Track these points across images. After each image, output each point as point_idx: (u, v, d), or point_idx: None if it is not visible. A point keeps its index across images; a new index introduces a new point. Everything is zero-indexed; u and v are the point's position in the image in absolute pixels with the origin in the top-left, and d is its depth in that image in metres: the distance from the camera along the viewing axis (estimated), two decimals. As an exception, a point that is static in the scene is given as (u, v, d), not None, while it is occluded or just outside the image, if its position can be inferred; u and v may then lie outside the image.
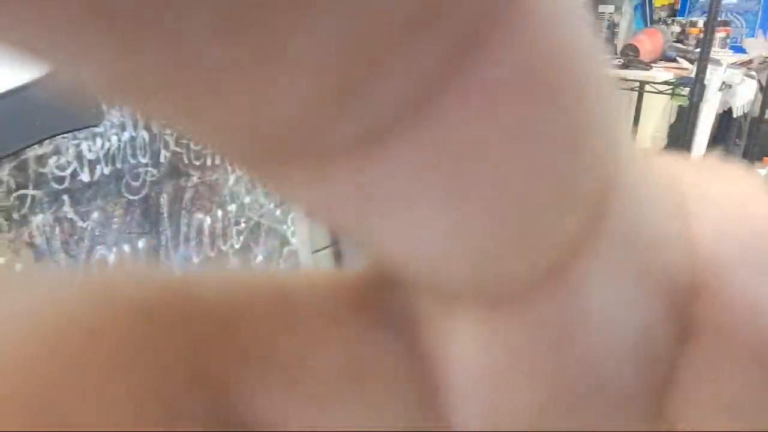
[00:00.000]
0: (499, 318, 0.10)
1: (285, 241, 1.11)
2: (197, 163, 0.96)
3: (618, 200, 0.10)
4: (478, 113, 0.08)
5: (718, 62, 1.74)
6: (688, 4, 2.25)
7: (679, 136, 1.73)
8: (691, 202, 0.11)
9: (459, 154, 0.08)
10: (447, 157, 0.08)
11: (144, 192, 0.88)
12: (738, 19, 2.27)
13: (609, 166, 0.10)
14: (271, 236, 1.09)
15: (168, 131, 0.91)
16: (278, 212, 1.10)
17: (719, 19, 1.75)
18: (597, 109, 0.09)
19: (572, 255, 0.10)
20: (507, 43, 0.08)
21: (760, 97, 2.33)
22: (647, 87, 1.76)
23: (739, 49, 2.15)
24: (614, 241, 0.10)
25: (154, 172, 0.89)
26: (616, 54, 1.94)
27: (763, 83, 2.34)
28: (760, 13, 2.24)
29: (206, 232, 0.98)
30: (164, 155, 0.90)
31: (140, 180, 0.88)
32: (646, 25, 2.10)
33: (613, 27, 1.97)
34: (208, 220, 0.99)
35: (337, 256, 1.23)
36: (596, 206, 0.10)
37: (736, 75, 1.88)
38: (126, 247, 0.86)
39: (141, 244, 0.89)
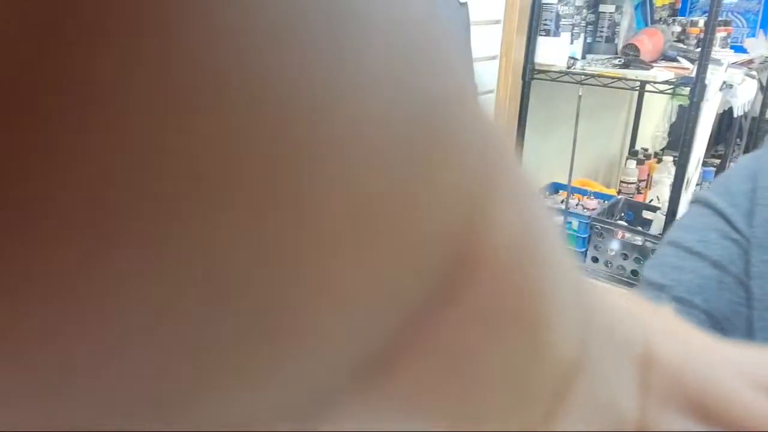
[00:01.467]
0: None
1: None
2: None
3: (581, 377, 0.12)
4: (441, 366, 0.09)
5: (718, 62, 1.74)
6: (688, 4, 2.25)
7: (680, 136, 1.73)
8: (655, 343, 0.14)
9: (421, 403, 0.09)
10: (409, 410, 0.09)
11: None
12: (739, 19, 2.27)
13: (572, 353, 0.11)
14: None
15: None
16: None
17: (720, 18, 1.75)
18: (562, 314, 0.11)
19: None
20: (470, 291, 0.09)
21: (760, 96, 2.33)
22: (648, 87, 1.75)
23: (740, 49, 2.14)
24: (577, 410, 0.11)
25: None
26: (617, 53, 1.93)
27: (764, 83, 2.34)
28: (760, 13, 2.24)
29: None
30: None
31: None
32: (646, 25, 2.09)
33: (614, 26, 1.96)
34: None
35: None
36: (557, 395, 0.11)
37: (737, 75, 1.88)
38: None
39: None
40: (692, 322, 0.46)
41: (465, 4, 1.47)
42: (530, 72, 1.78)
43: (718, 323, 0.42)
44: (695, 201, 0.50)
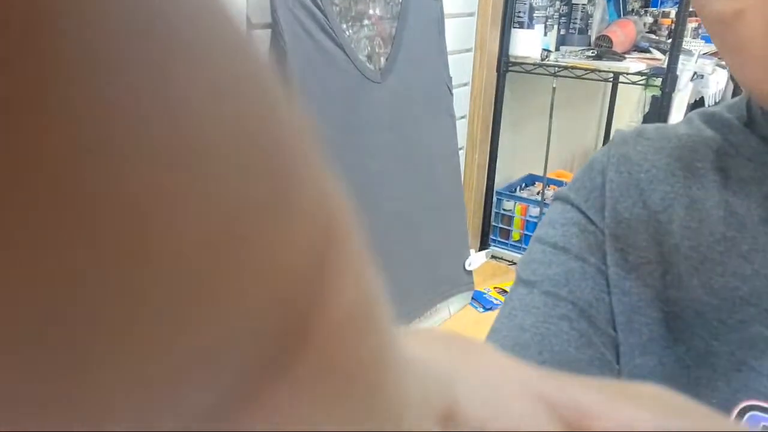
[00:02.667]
0: None
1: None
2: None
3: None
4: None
5: (689, 53, 1.76)
6: (660, -5, 2.27)
7: (653, 127, 1.75)
8: (461, 397, 0.15)
9: None
10: None
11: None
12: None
13: (400, 415, 0.12)
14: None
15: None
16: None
17: (691, 9, 1.76)
18: (391, 380, 0.12)
19: None
20: (309, 356, 0.09)
21: (731, 86, 2.36)
22: (621, 78, 1.77)
23: (711, 39, 2.17)
24: None
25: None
26: (590, 45, 1.95)
27: (734, 73, 2.37)
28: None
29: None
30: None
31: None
32: (619, 16, 2.11)
33: (587, 18, 1.97)
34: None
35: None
36: None
37: (708, 65, 1.90)
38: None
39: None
40: (561, 313, 0.46)
41: (439, -3, 1.46)
42: (505, 64, 1.78)
43: (584, 311, 0.45)
44: (557, 198, 0.53)
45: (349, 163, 1.24)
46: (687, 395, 0.43)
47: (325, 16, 1.16)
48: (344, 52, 1.21)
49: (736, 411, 0.39)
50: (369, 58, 1.29)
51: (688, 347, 0.42)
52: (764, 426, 0.38)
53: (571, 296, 0.45)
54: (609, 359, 0.44)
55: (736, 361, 0.40)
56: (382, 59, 1.32)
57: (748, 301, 0.40)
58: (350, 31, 1.24)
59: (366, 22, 1.27)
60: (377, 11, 1.30)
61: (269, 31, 1.11)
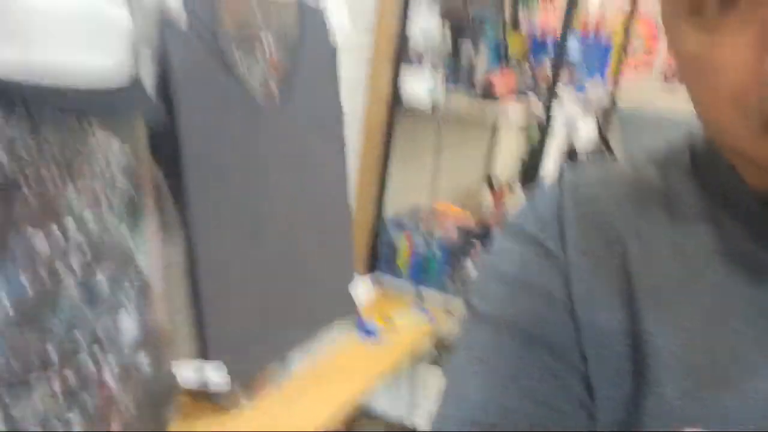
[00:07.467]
0: None
1: (130, 259, 1.05)
2: (28, 173, 0.88)
3: None
4: None
5: (563, 101, 1.89)
6: (538, 47, 2.43)
7: (529, 170, 1.86)
8: None
9: None
10: None
11: (-25, 205, 0.79)
12: (582, 62, 2.48)
13: None
14: (117, 254, 1.02)
15: None
16: (123, 227, 1.03)
17: (565, 58, 1.91)
18: None
19: None
20: None
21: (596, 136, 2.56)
22: (502, 122, 1.87)
23: (582, 88, 2.35)
24: None
25: (-11, 183, 0.80)
26: (475, 89, 2.05)
27: (601, 122, 2.58)
28: (601, 58, 2.47)
29: (40, 251, 0.90)
30: None
31: (-29, 192, 0.79)
32: (501, 64, 2.24)
33: (472, 64, 2.08)
34: (42, 237, 0.91)
35: (189, 273, 1.17)
36: None
37: (579, 113, 2.06)
38: (-49, 266, 0.77)
39: (-30, 262, 0.79)
40: (537, 357, 0.44)
41: (333, 31, 1.49)
42: (396, 99, 1.84)
43: (559, 354, 0.44)
44: (508, 229, 0.51)
45: (241, 189, 1.22)
46: (639, 424, 0.39)
47: (217, 42, 1.15)
48: (236, 79, 1.20)
49: None
50: (262, 86, 1.28)
51: (644, 375, 0.42)
52: None
53: (543, 338, 0.44)
54: (587, 403, 0.43)
55: (681, 391, 0.40)
56: (275, 88, 1.33)
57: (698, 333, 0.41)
58: (243, 58, 1.23)
59: (259, 49, 1.27)
60: (270, 39, 1.30)
61: (156, 54, 1.08)
